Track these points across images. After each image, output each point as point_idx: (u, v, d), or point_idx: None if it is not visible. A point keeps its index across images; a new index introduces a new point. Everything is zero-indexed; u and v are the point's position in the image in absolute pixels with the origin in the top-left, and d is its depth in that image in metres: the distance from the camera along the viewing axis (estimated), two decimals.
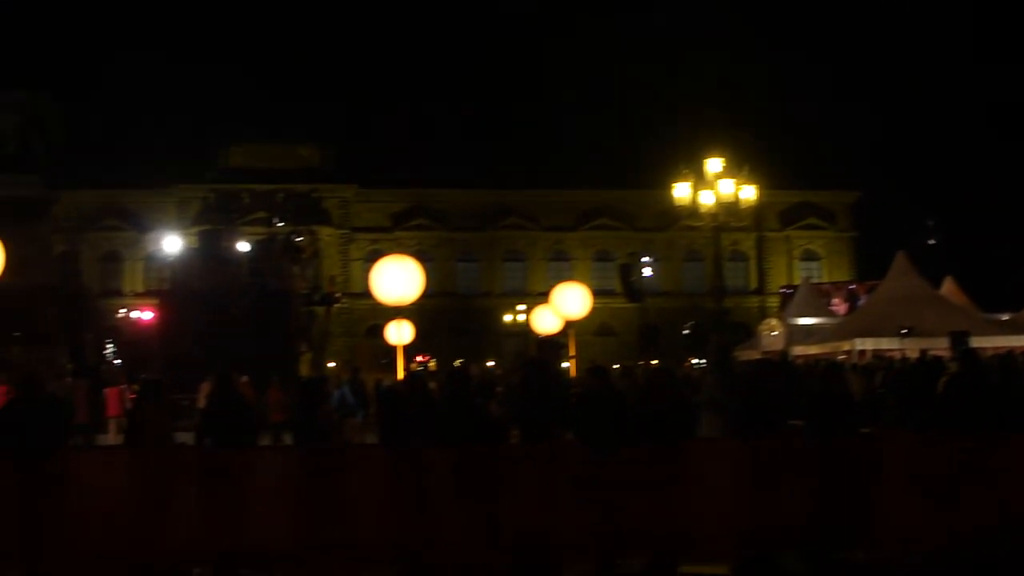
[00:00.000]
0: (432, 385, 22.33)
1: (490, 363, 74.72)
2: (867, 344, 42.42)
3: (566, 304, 34.56)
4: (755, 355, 46.06)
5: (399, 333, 25.76)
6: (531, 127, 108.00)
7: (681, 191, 32.97)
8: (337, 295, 75.08)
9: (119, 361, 55.20)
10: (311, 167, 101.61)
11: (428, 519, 12.32)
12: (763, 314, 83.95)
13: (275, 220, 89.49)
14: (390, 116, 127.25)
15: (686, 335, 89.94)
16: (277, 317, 52.53)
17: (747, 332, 69.00)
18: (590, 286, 38.90)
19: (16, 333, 39.60)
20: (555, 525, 12.44)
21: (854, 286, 64.92)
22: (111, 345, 55.95)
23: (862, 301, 55.50)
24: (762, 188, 34.59)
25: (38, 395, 14.47)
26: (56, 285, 45.55)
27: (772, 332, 52.45)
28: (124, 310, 75.61)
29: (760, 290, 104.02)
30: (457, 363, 54.05)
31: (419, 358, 64.55)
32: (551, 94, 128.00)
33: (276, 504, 12.41)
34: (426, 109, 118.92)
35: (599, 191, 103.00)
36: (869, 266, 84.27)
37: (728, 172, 32.80)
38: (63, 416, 14.51)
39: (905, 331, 41.39)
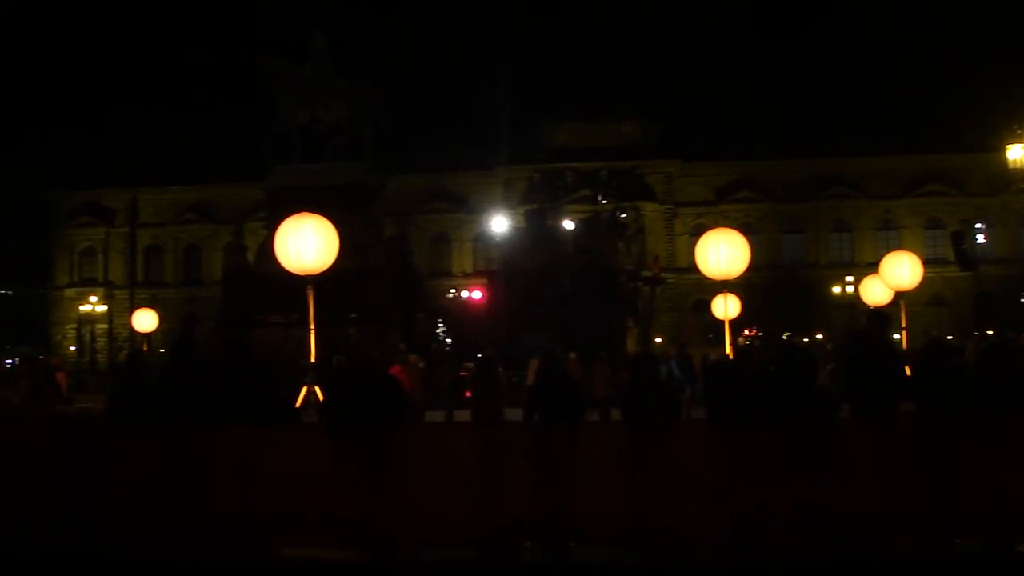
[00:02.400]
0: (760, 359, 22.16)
1: (819, 335, 73.83)
2: None
3: (896, 274, 33.94)
4: None
5: (726, 307, 25.75)
6: (853, 92, 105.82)
7: (1015, 153, 32.07)
8: (662, 276, 75.05)
9: (449, 340, 56.49)
10: (633, 143, 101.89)
11: (756, 495, 12.19)
12: None
13: (599, 197, 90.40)
14: (711, 89, 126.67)
15: None
16: (603, 294, 52.91)
17: None
18: (920, 255, 38.21)
19: (352, 314, 40.93)
20: (886, 502, 12.15)
21: None
22: (442, 325, 57.24)
23: None
24: None
25: (377, 372, 14.95)
26: (388, 267, 46.78)
27: None
28: (453, 290, 77.31)
29: None
30: (785, 336, 53.53)
31: (746, 332, 64.20)
32: (875, 55, 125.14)
33: (603, 479, 12.44)
34: (745, 81, 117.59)
35: (927, 156, 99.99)
36: None
37: None
38: (402, 392, 14.91)
39: None
